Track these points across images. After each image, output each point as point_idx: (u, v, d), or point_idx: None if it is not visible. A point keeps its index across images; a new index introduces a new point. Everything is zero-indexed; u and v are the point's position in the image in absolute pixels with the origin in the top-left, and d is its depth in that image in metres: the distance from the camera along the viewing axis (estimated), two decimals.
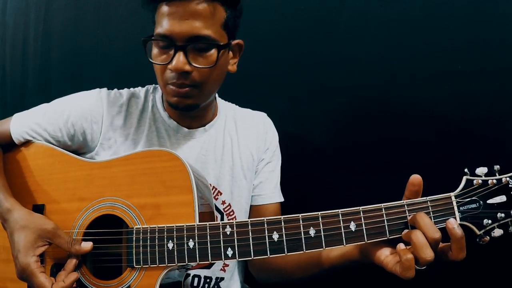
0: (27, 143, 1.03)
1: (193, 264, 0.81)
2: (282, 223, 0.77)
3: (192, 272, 1.05)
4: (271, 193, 1.12)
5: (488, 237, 0.73)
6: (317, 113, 1.33)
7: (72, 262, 0.85)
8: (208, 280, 1.06)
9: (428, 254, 0.70)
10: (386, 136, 1.23)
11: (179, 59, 0.88)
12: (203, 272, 1.06)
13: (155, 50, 0.94)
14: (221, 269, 1.08)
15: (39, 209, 0.95)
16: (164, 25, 0.90)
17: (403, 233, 0.74)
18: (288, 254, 0.85)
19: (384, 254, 0.76)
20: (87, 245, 0.85)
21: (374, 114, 1.25)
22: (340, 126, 1.30)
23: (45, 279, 0.82)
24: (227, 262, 1.08)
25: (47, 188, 0.97)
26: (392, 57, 1.22)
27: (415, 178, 0.76)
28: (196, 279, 1.05)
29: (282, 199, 1.13)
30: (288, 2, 1.34)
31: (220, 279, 1.08)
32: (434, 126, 1.18)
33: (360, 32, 1.26)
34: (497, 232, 0.73)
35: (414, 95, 1.21)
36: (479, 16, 1.13)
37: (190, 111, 0.99)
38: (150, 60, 0.95)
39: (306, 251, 0.75)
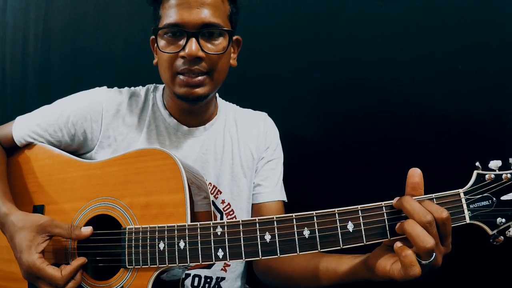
0: (28, 145, 1.05)
1: (191, 264, 0.81)
2: (275, 223, 0.73)
3: (193, 272, 1.05)
4: (272, 191, 1.11)
5: (502, 237, 0.67)
6: (317, 113, 1.33)
7: (78, 261, 0.85)
8: (208, 280, 1.06)
9: (426, 241, 0.64)
10: (387, 136, 1.23)
11: (192, 45, 0.90)
12: (203, 272, 1.06)
13: (162, 42, 0.95)
14: (221, 269, 1.07)
15: (39, 210, 0.96)
16: (173, 15, 0.92)
17: (396, 227, 0.69)
18: (293, 262, 0.81)
19: (390, 263, 0.71)
20: (87, 230, 0.85)
21: (374, 114, 1.25)
22: (340, 126, 1.29)
23: (53, 270, 0.82)
24: (228, 262, 1.08)
25: (47, 189, 0.98)
26: (392, 57, 1.22)
27: (414, 170, 0.71)
28: (196, 279, 1.05)
29: (284, 198, 1.12)
30: (288, 2, 1.34)
31: (221, 279, 1.07)
32: (434, 126, 1.18)
33: (360, 32, 1.26)
34: None
35: (414, 95, 1.20)
36: (479, 16, 1.12)
37: (198, 102, 0.99)
38: (161, 50, 0.95)
39: (300, 254, 0.72)
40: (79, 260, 0.84)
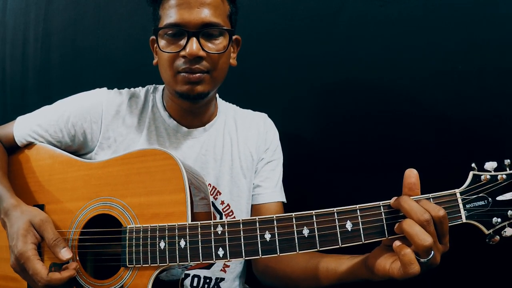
0: (29, 145, 1.05)
1: (192, 263, 0.81)
2: (275, 222, 0.74)
3: (192, 272, 1.05)
4: (272, 192, 1.11)
5: (498, 237, 0.68)
6: (317, 113, 1.33)
7: (73, 265, 0.85)
8: (208, 281, 1.06)
9: (424, 239, 0.65)
10: (387, 136, 1.23)
11: (193, 45, 0.91)
12: (202, 273, 1.06)
13: (162, 42, 0.96)
14: (221, 270, 1.07)
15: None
16: (174, 15, 0.92)
17: (395, 227, 0.69)
18: (293, 262, 0.80)
19: (389, 263, 0.72)
20: (66, 254, 0.84)
21: (374, 114, 1.25)
22: (340, 126, 1.29)
23: (41, 266, 0.82)
24: (227, 262, 1.08)
25: (47, 189, 0.98)
26: (392, 57, 1.22)
27: (411, 171, 0.72)
28: (196, 279, 1.05)
29: (283, 199, 1.13)
30: (288, 2, 1.34)
31: (220, 280, 1.07)
32: (434, 126, 1.18)
33: (360, 32, 1.26)
34: (509, 231, 0.68)
35: (414, 95, 1.20)
36: (479, 16, 1.12)
37: (199, 101, 1.00)
38: (162, 50, 0.95)
39: (300, 252, 0.73)
40: (70, 272, 0.83)
